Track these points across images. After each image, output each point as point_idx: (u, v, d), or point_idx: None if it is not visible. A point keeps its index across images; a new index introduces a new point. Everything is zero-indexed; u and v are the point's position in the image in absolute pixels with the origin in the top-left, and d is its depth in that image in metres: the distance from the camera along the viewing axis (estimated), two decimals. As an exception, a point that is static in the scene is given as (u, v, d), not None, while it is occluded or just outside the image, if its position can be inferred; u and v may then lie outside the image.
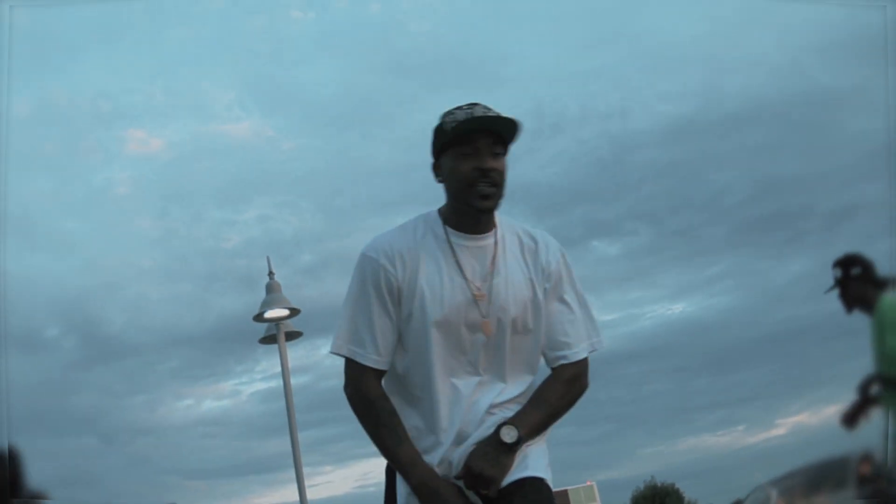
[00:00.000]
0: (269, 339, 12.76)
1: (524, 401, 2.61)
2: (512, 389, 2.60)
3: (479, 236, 2.60)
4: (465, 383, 2.56)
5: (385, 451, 2.56)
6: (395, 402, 2.60)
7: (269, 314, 12.30)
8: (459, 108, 2.56)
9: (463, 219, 2.59)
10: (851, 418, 4.60)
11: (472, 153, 2.51)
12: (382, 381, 2.62)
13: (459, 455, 2.54)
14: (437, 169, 2.62)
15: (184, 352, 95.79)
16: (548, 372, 2.69)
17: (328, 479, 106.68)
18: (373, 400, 2.57)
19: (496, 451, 2.49)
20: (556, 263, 2.66)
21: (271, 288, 12.41)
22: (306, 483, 14.63)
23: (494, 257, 2.58)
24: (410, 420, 2.59)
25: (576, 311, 2.67)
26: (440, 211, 2.65)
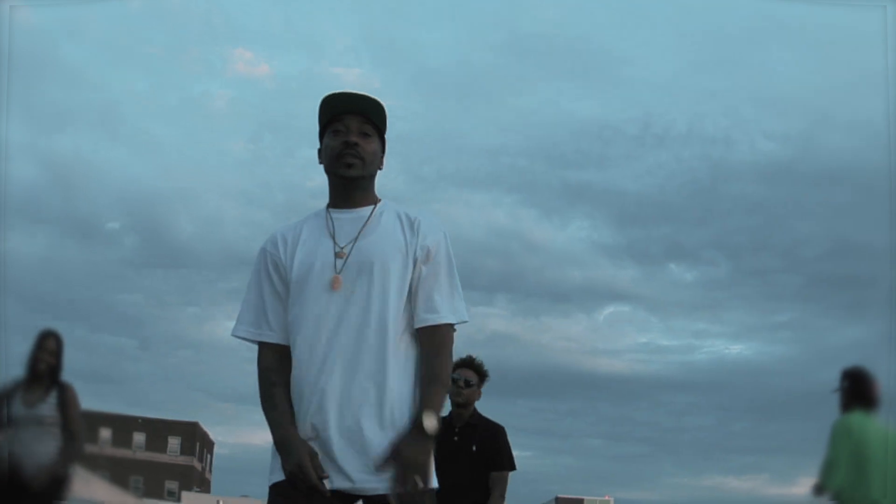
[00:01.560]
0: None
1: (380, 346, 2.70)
2: (361, 343, 2.71)
3: (355, 209, 2.84)
4: (326, 340, 2.71)
5: (265, 416, 2.75)
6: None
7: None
8: (332, 94, 2.85)
9: (338, 193, 2.86)
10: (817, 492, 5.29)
11: (342, 130, 2.81)
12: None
13: (320, 411, 2.70)
14: (319, 154, 2.92)
15: (245, 275, 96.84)
16: None
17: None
18: (261, 371, 2.82)
19: (424, 439, 2.63)
20: (433, 240, 2.82)
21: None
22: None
23: (366, 224, 2.80)
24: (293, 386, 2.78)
25: (444, 282, 2.81)
26: (328, 203, 2.91)
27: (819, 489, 5.24)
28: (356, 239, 2.78)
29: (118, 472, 67.85)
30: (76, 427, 5.88)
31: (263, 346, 2.83)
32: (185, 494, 65.25)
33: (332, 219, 2.84)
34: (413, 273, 2.78)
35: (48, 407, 5.80)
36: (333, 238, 2.79)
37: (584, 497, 73.59)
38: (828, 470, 5.20)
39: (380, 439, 2.66)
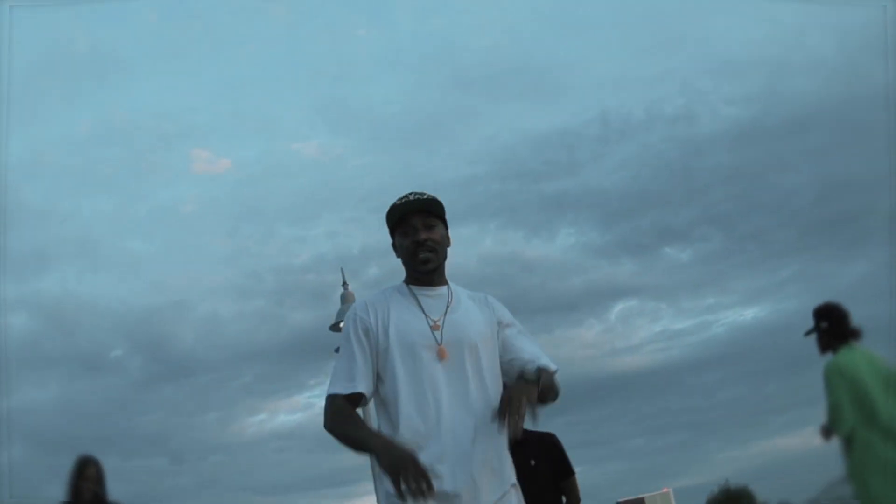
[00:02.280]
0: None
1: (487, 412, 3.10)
2: (472, 400, 3.12)
3: (434, 288, 3.28)
4: (437, 395, 3.09)
5: (350, 440, 3.05)
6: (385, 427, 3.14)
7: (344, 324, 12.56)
8: (398, 200, 3.28)
9: (419, 277, 3.28)
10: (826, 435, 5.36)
11: (410, 231, 3.24)
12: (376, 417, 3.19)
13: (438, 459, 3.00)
14: (394, 248, 3.35)
15: (256, 367, 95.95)
16: None
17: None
18: (337, 408, 3.12)
19: (530, 383, 3.03)
20: (499, 307, 3.35)
21: (346, 298, 12.81)
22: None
23: (450, 300, 3.26)
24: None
25: (529, 338, 3.32)
26: (404, 280, 3.33)
27: (828, 433, 5.23)
28: (445, 314, 3.20)
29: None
30: None
31: (337, 395, 3.13)
32: None
33: (415, 295, 3.25)
34: (498, 340, 3.25)
35: None
36: (424, 312, 3.20)
37: (644, 495, 73.12)
38: (834, 414, 5.18)
39: (488, 491, 3.07)
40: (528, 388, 2.99)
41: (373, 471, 3.17)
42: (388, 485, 2.88)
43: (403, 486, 2.77)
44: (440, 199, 3.33)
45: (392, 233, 3.35)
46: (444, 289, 3.29)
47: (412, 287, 3.28)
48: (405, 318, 3.18)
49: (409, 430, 3.05)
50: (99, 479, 5.88)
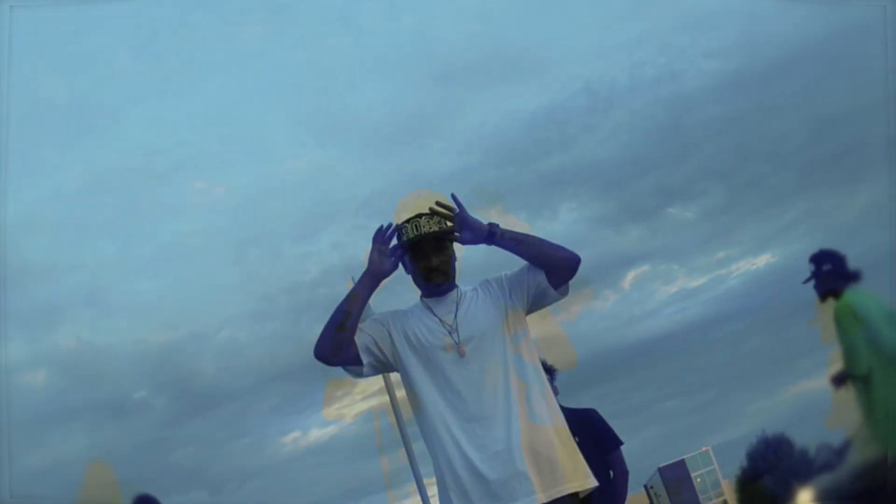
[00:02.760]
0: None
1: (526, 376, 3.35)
2: (513, 386, 3.31)
3: (444, 295, 3.47)
4: (467, 386, 3.29)
5: (340, 310, 3.30)
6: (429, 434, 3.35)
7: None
8: (406, 223, 3.45)
9: (431, 292, 3.48)
10: (838, 383, 5.33)
11: (421, 256, 3.43)
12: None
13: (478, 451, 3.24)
14: (405, 266, 3.52)
15: (282, 387, 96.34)
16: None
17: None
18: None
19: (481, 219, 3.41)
20: (497, 276, 3.52)
21: (367, 312, 12.65)
22: (428, 493, 15.00)
23: (458, 300, 3.45)
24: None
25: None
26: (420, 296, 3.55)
27: (840, 380, 5.22)
28: (456, 313, 3.40)
29: None
30: None
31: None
32: None
33: (428, 306, 3.44)
34: (512, 301, 3.44)
35: None
36: (438, 317, 3.40)
37: (685, 456, 73.31)
38: (850, 355, 5.14)
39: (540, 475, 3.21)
40: (474, 218, 3.35)
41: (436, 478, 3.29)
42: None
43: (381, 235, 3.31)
44: (447, 199, 3.48)
45: (402, 252, 3.51)
46: (452, 293, 3.48)
47: (424, 300, 3.49)
48: (421, 326, 3.38)
49: (451, 435, 3.26)
50: None
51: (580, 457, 3.31)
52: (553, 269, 3.39)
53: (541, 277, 3.41)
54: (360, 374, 3.38)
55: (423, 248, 3.43)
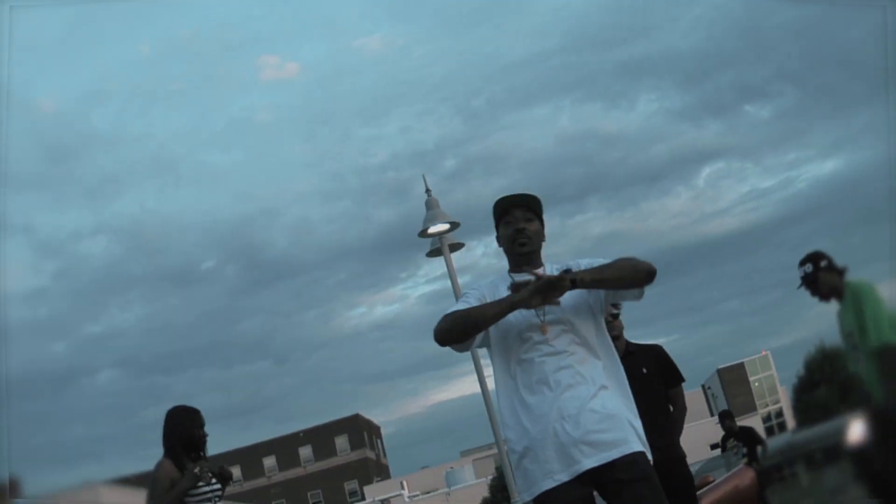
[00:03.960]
0: (434, 253, 13.39)
1: (594, 369, 3.53)
2: (582, 368, 3.50)
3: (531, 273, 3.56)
4: (546, 367, 3.48)
5: (475, 317, 3.46)
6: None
7: (433, 229, 12.93)
8: (499, 197, 3.74)
9: (517, 263, 3.71)
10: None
11: (511, 221, 3.70)
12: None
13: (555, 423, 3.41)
14: (498, 238, 3.80)
15: (349, 265, 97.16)
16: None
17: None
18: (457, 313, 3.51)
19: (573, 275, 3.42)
20: (583, 261, 3.61)
21: (430, 204, 13.06)
22: (485, 371, 15.42)
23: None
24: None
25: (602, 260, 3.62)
26: (508, 270, 3.75)
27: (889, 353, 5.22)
28: None
29: (293, 494, 69.27)
30: None
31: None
32: (367, 489, 66.63)
33: (515, 280, 3.54)
34: (591, 295, 3.58)
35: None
36: None
37: (744, 360, 73.30)
38: (880, 326, 5.23)
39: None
40: (557, 279, 3.37)
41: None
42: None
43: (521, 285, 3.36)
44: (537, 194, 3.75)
45: (497, 226, 3.79)
46: (539, 271, 3.55)
47: (513, 275, 3.68)
48: None
49: (529, 409, 3.45)
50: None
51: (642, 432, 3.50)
52: (634, 288, 3.58)
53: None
54: (465, 350, 3.62)
55: (514, 214, 3.71)
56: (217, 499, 5.91)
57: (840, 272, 5.50)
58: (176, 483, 5.73)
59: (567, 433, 3.35)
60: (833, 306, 5.56)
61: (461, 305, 3.55)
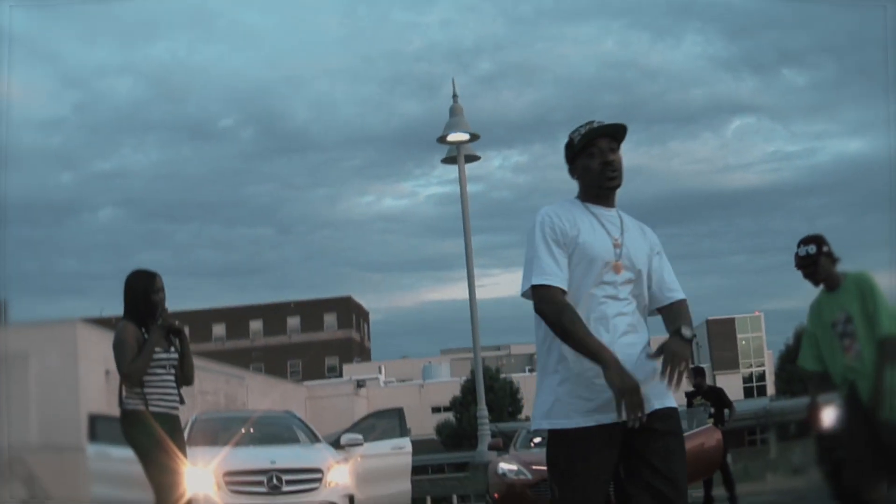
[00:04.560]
0: (450, 160, 13.35)
1: (642, 324, 3.52)
2: (634, 318, 3.48)
3: (609, 209, 3.56)
4: (607, 308, 3.42)
5: (576, 339, 3.29)
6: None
7: (452, 137, 12.86)
8: (581, 125, 3.55)
9: (597, 195, 3.55)
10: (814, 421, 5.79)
11: (597, 153, 3.50)
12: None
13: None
14: (573, 171, 3.61)
15: (367, 151, 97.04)
16: None
17: (495, 282, 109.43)
18: (563, 304, 3.35)
19: (685, 342, 3.35)
20: (655, 238, 3.64)
21: (454, 111, 12.88)
22: (476, 281, 15.70)
23: (622, 223, 3.54)
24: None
25: (670, 268, 3.65)
26: (577, 196, 3.61)
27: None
28: (622, 234, 3.49)
29: (273, 360, 70.24)
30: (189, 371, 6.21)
31: (554, 288, 3.38)
32: (346, 367, 67.16)
33: (592, 212, 3.53)
34: (652, 263, 3.56)
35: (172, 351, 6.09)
36: (605, 229, 3.48)
37: (735, 316, 73.54)
38: (887, 320, 5.30)
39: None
40: (685, 351, 3.30)
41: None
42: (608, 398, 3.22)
43: (624, 412, 3.13)
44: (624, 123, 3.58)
45: (575, 157, 3.58)
46: (614, 211, 3.55)
47: (589, 206, 3.54)
48: (591, 232, 3.45)
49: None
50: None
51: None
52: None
53: (654, 291, 3.58)
54: None
55: (599, 145, 3.51)
56: (172, 367, 6.02)
57: (836, 261, 5.52)
58: (142, 344, 5.87)
59: None
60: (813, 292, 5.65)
61: (550, 260, 3.40)
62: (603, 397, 3.24)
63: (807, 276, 5.57)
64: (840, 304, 5.45)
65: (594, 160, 3.51)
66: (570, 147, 3.58)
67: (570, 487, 3.32)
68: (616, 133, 3.54)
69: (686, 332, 3.37)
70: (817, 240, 5.53)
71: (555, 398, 3.35)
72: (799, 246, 5.54)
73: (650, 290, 3.55)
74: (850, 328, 5.39)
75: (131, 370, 5.84)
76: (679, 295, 3.59)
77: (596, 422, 3.27)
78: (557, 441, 3.36)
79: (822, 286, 5.59)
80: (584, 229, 3.45)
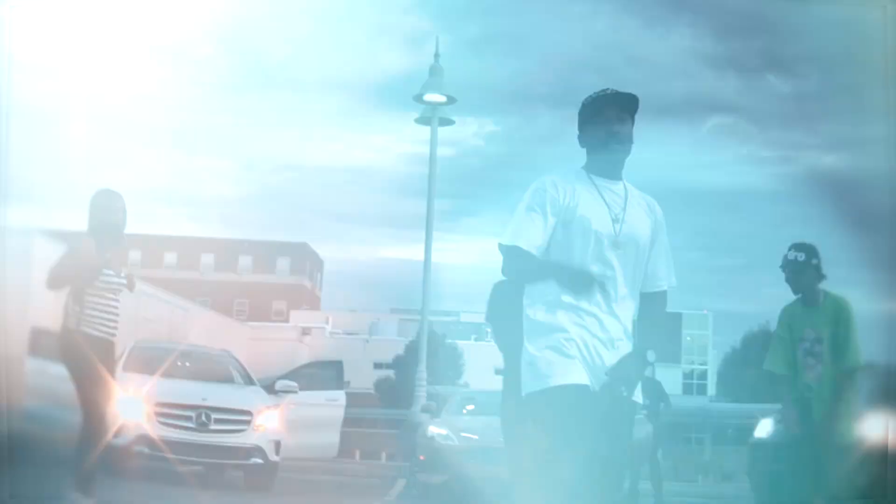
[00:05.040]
0: (424, 121, 13.21)
1: (634, 300, 3.52)
2: (627, 291, 3.48)
3: (614, 182, 3.52)
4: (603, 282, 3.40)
5: (534, 273, 3.43)
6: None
7: (428, 97, 12.71)
8: (595, 92, 3.51)
9: (602, 166, 3.51)
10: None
11: (603, 121, 3.46)
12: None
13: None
14: (581, 139, 3.56)
15: (342, 98, 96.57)
16: None
17: (454, 248, 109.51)
18: (517, 254, 3.41)
19: (641, 366, 3.39)
20: (662, 218, 3.61)
21: (434, 71, 12.78)
22: (433, 244, 15.63)
23: (626, 197, 3.51)
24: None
25: (669, 252, 3.62)
26: (583, 166, 3.56)
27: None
28: (624, 209, 3.48)
29: (221, 296, 69.87)
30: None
31: (521, 249, 3.42)
32: (293, 313, 67.05)
33: (595, 184, 3.50)
34: (653, 241, 3.55)
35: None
36: (606, 203, 3.46)
37: (683, 311, 74.03)
38: (855, 349, 5.35)
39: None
40: (637, 376, 3.38)
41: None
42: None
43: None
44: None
45: (583, 125, 3.56)
46: (620, 184, 3.53)
47: (593, 177, 3.51)
48: (590, 205, 3.43)
49: (576, 310, 3.40)
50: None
51: None
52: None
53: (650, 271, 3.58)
54: None
55: (607, 114, 3.48)
56: (118, 290, 6.06)
57: (822, 277, 5.50)
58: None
59: (604, 348, 3.40)
60: (788, 296, 5.63)
61: (525, 223, 3.44)
62: (594, 363, 3.36)
63: (788, 280, 5.54)
64: (813, 322, 5.44)
65: (600, 128, 3.48)
66: (581, 115, 3.57)
67: (560, 445, 3.37)
68: (627, 103, 3.52)
69: (650, 356, 3.41)
70: (808, 249, 5.50)
71: (546, 359, 3.39)
72: (790, 249, 5.51)
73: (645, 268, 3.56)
74: (818, 349, 5.38)
75: (51, 274, 5.94)
76: (663, 285, 3.60)
77: (597, 383, 3.36)
78: (544, 400, 3.39)
79: (800, 296, 5.55)
80: (584, 201, 3.44)
